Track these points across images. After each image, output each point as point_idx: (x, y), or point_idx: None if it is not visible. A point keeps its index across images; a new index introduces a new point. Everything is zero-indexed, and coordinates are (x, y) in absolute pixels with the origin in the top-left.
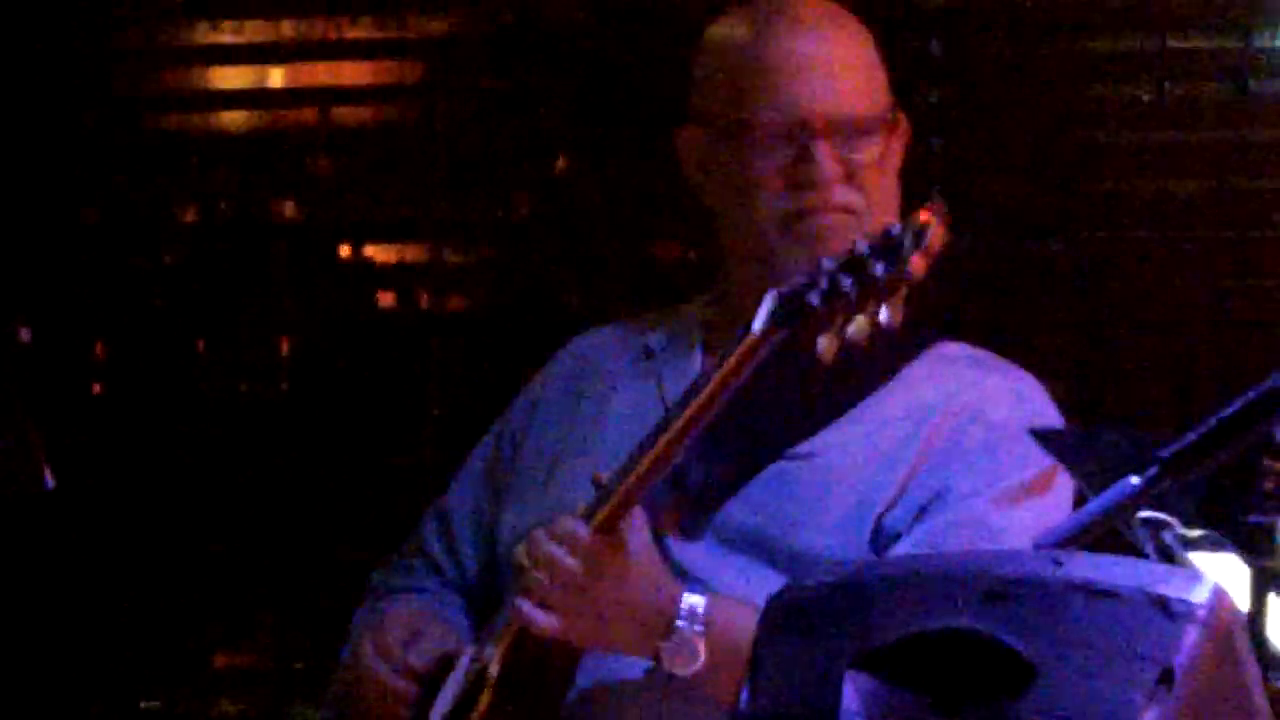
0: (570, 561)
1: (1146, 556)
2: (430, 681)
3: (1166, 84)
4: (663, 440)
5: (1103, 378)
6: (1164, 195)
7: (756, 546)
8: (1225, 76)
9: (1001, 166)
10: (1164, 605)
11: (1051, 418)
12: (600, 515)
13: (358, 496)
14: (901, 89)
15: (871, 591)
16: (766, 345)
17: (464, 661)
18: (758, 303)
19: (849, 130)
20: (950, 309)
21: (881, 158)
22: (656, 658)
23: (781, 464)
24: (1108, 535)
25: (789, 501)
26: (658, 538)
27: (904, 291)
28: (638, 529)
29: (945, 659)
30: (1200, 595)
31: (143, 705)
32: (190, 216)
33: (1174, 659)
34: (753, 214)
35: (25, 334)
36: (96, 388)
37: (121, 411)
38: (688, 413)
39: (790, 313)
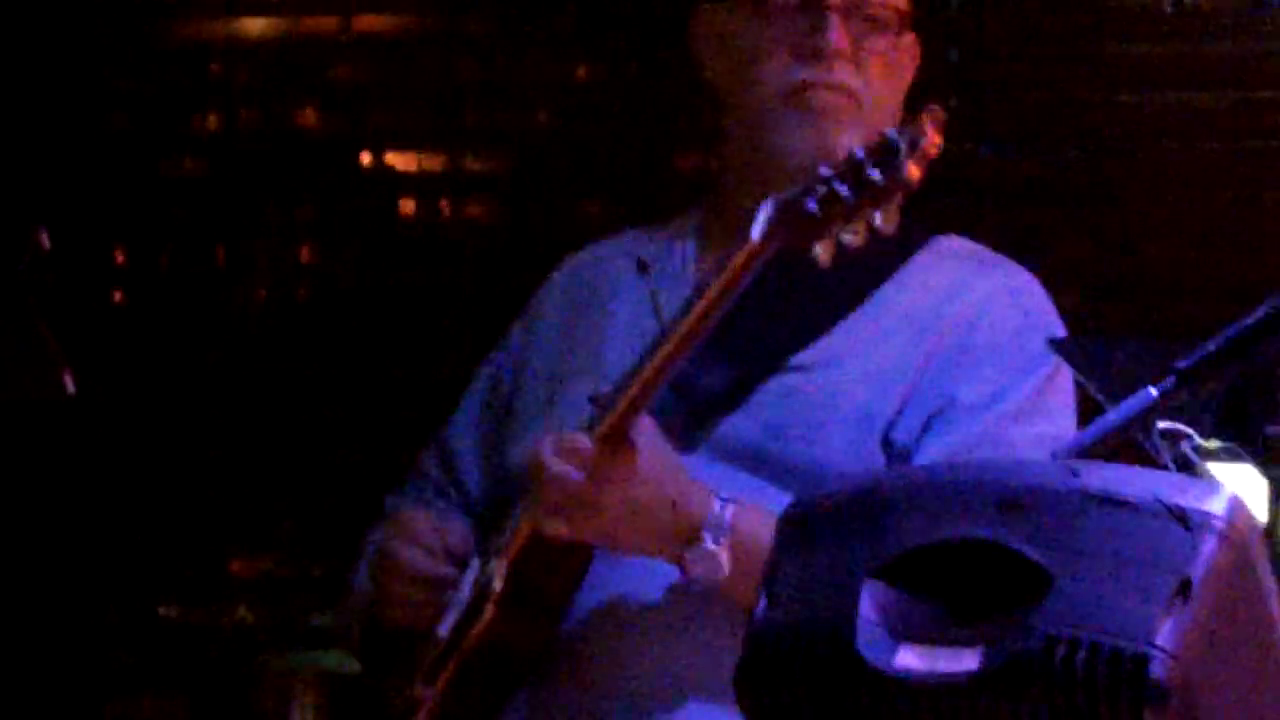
0: (574, 474)
1: (1164, 467)
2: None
3: None
4: (663, 351)
5: (1121, 289)
6: (1182, 106)
7: (757, 460)
8: None
9: (1018, 78)
10: (1181, 516)
11: (1050, 315)
12: (602, 426)
13: (376, 404)
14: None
15: (887, 501)
16: (764, 253)
17: (469, 574)
18: (754, 200)
19: (863, 14)
20: (969, 219)
21: (891, 55)
22: (681, 563)
23: (783, 376)
24: (1126, 446)
25: (790, 415)
26: None
27: (900, 196)
28: (649, 436)
29: (962, 568)
30: (1218, 506)
31: (160, 611)
32: (211, 123)
33: (1191, 569)
34: (756, 86)
35: (45, 240)
36: (117, 294)
37: (142, 318)
38: (688, 321)
39: (787, 220)
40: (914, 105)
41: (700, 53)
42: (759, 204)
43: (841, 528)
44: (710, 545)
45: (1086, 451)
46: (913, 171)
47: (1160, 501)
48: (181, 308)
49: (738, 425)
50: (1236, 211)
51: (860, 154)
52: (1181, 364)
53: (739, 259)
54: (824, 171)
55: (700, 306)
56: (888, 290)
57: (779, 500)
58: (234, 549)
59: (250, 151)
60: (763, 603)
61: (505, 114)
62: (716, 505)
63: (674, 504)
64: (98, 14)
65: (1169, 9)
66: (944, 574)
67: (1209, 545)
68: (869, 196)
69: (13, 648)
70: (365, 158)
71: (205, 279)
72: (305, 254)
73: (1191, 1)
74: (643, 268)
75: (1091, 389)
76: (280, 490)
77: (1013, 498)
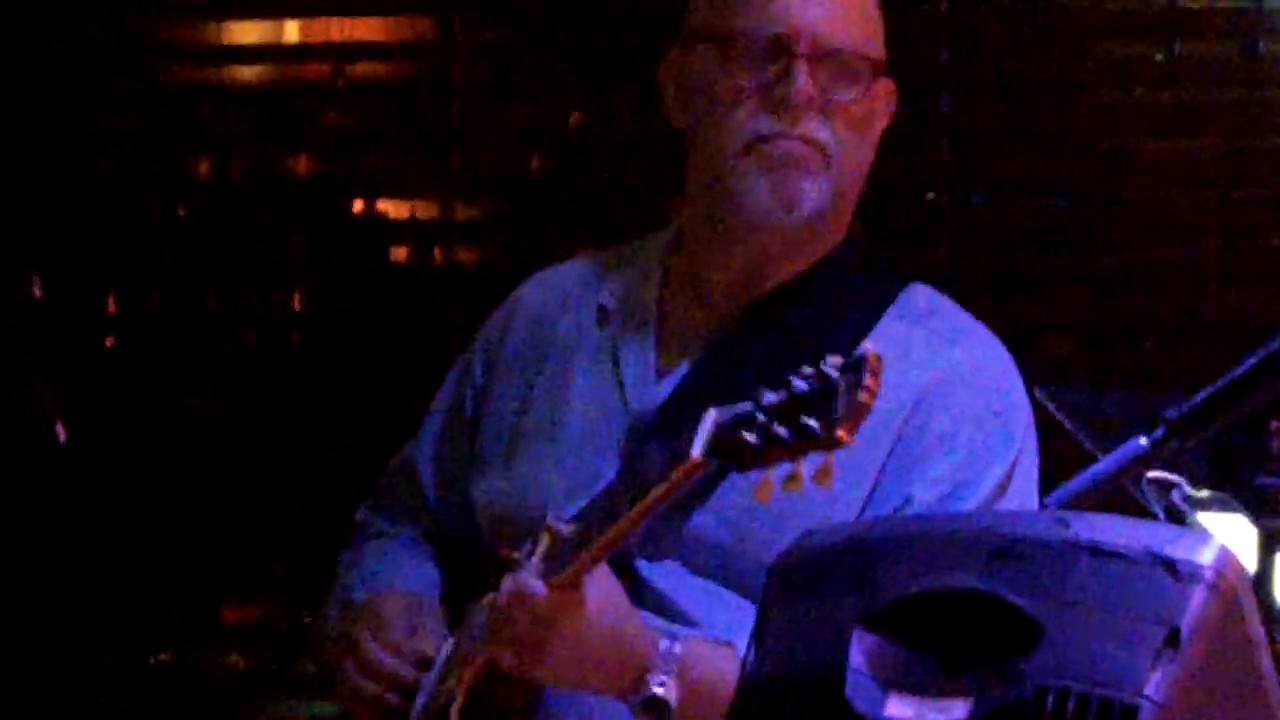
0: (525, 622)
1: (1154, 517)
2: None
3: (1177, 44)
4: (608, 535)
5: (1111, 337)
6: (1173, 155)
7: (724, 566)
8: (1235, 37)
9: (1010, 125)
10: (1170, 566)
11: (1012, 393)
12: (558, 579)
13: (368, 450)
14: (911, 48)
15: (877, 550)
16: (703, 469)
17: (432, 676)
18: (716, 258)
19: (833, 63)
20: (961, 266)
21: (861, 108)
22: (629, 704)
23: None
24: (1116, 495)
25: (759, 517)
26: (626, 560)
27: (832, 452)
28: (599, 584)
29: (951, 618)
30: (1207, 556)
31: (152, 658)
32: (204, 170)
33: (1180, 620)
34: (720, 132)
35: (37, 287)
36: (109, 341)
37: (134, 364)
38: (629, 517)
39: (727, 444)
40: (906, 152)
41: (667, 97)
42: (721, 261)
43: (831, 577)
44: (656, 689)
45: (1077, 501)
46: (844, 436)
47: (1150, 552)
48: (173, 353)
49: (703, 527)
50: (1228, 259)
51: (801, 388)
52: (1171, 413)
53: (678, 474)
54: (767, 398)
55: (643, 505)
56: None
57: (750, 615)
58: (225, 595)
59: (242, 197)
60: (752, 653)
61: (497, 160)
62: (664, 645)
63: (621, 649)
64: (90, 59)
65: (1160, 57)
66: (934, 623)
67: (1198, 596)
68: (804, 445)
69: (5, 693)
70: (357, 204)
71: (197, 324)
72: (297, 300)
73: (1182, 50)
74: (603, 316)
75: (1081, 438)
76: (272, 536)
77: (1003, 547)
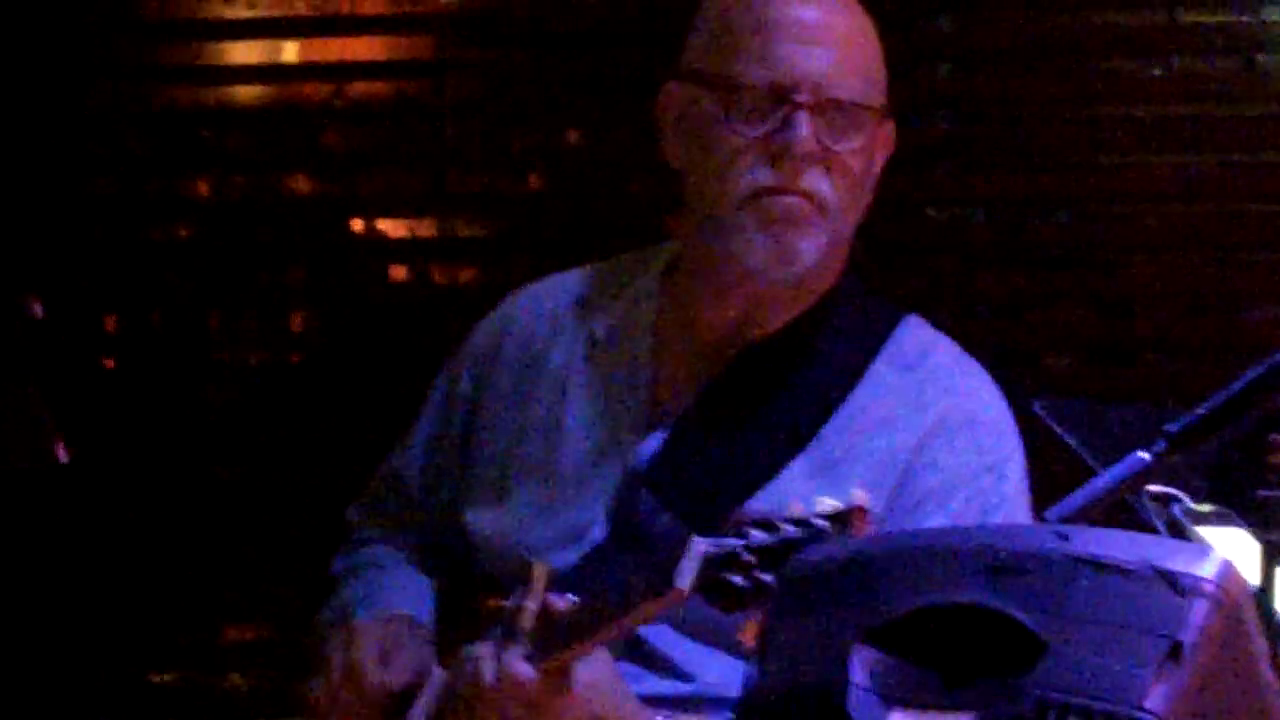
0: (512, 707)
1: (1156, 531)
2: (397, 702)
3: (1175, 59)
4: (598, 634)
5: (1111, 352)
6: (1172, 170)
7: (718, 633)
8: (1234, 52)
9: (1011, 142)
10: (1171, 580)
11: (1005, 436)
12: (549, 662)
13: (369, 470)
14: (910, 65)
15: (879, 566)
16: (683, 601)
17: (428, 694)
18: (710, 300)
19: (836, 113)
20: (963, 283)
21: (862, 159)
22: None
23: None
24: (1117, 509)
25: None
26: None
27: None
28: (591, 665)
29: (954, 633)
30: (1208, 570)
31: (153, 679)
32: (203, 190)
33: (1182, 633)
34: (719, 182)
35: (37, 308)
36: (109, 362)
37: (134, 385)
38: (617, 623)
39: (713, 581)
40: (907, 170)
41: (664, 131)
42: (715, 307)
43: (833, 592)
44: None
45: (1077, 515)
46: None
47: (1151, 565)
48: (173, 374)
49: (694, 601)
50: (1228, 274)
51: (792, 534)
52: (1172, 427)
53: (662, 602)
54: (755, 538)
55: (627, 619)
56: (838, 423)
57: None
58: (226, 616)
59: (241, 217)
60: (755, 669)
61: (496, 179)
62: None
63: None
64: (89, 80)
65: (1159, 73)
66: (936, 638)
67: (1200, 609)
68: None
69: (8, 714)
70: (357, 223)
71: (197, 345)
72: (297, 320)
73: (1181, 65)
74: (594, 349)
75: (1082, 452)
76: (273, 556)
77: (1004, 562)
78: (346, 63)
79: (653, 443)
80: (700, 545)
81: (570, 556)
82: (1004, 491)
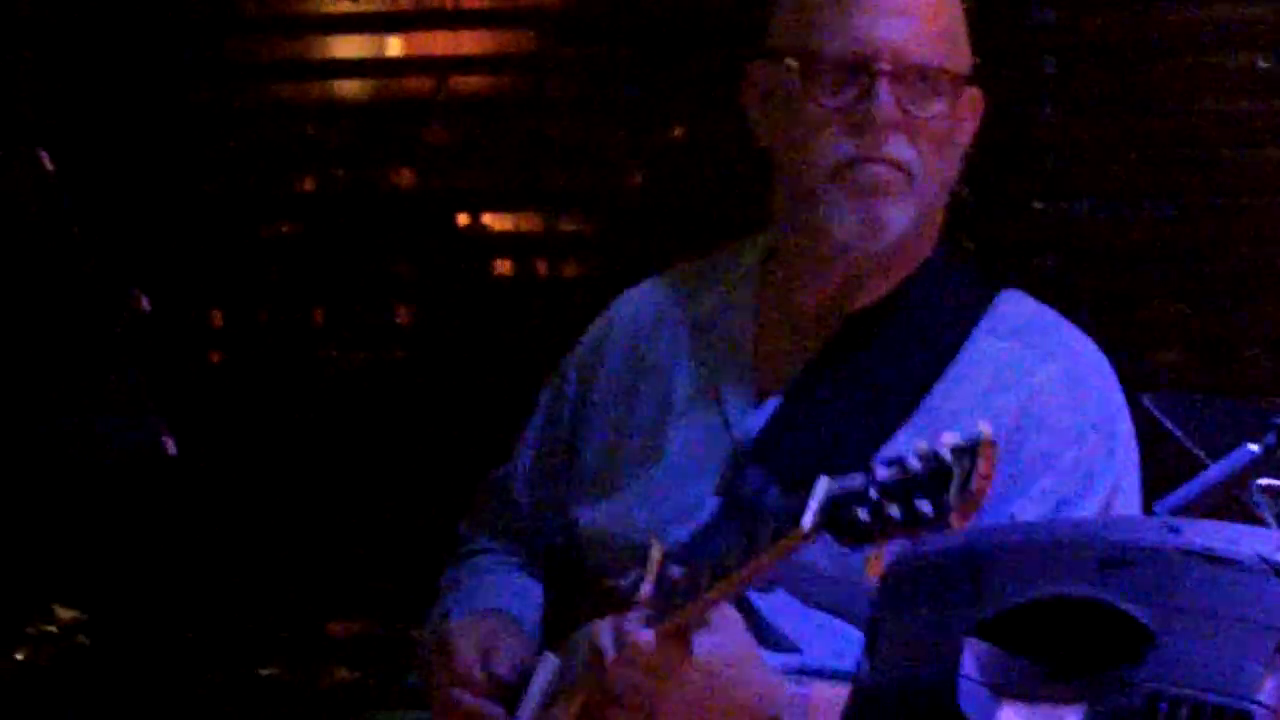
0: (636, 675)
1: (1265, 524)
2: (510, 693)
3: None
4: (719, 589)
5: (1217, 346)
6: (1276, 162)
7: (836, 597)
8: None
9: (1115, 135)
10: None
11: (1111, 400)
12: (666, 625)
13: (474, 465)
14: (1015, 59)
15: (988, 559)
16: (811, 540)
17: (541, 678)
18: (807, 280)
19: (916, 79)
20: (1066, 278)
21: (946, 122)
22: None
23: None
24: (1227, 502)
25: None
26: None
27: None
28: (716, 630)
29: (1063, 626)
30: None
31: (261, 672)
32: (308, 185)
33: None
34: (806, 155)
35: (145, 303)
36: (215, 356)
37: (240, 380)
38: (740, 576)
39: (837, 518)
40: (1011, 163)
41: (751, 110)
42: (812, 284)
43: (942, 586)
44: None
45: (1187, 508)
46: (957, 521)
47: (1262, 558)
48: (279, 369)
49: (813, 558)
50: None
51: (917, 469)
52: None
53: (787, 543)
54: (880, 474)
55: (750, 569)
56: (943, 389)
57: (858, 643)
58: (332, 610)
59: (346, 212)
60: (864, 663)
61: (599, 175)
62: (790, 690)
63: (740, 698)
64: (194, 77)
65: (1265, 65)
66: (1045, 631)
67: None
68: (915, 526)
69: (116, 710)
70: (461, 218)
71: (302, 340)
72: (402, 314)
73: None
74: (698, 336)
75: (1191, 446)
76: (378, 551)
77: (1114, 555)
78: (449, 57)
79: (759, 418)
80: (824, 484)
81: (682, 535)
82: (1113, 449)
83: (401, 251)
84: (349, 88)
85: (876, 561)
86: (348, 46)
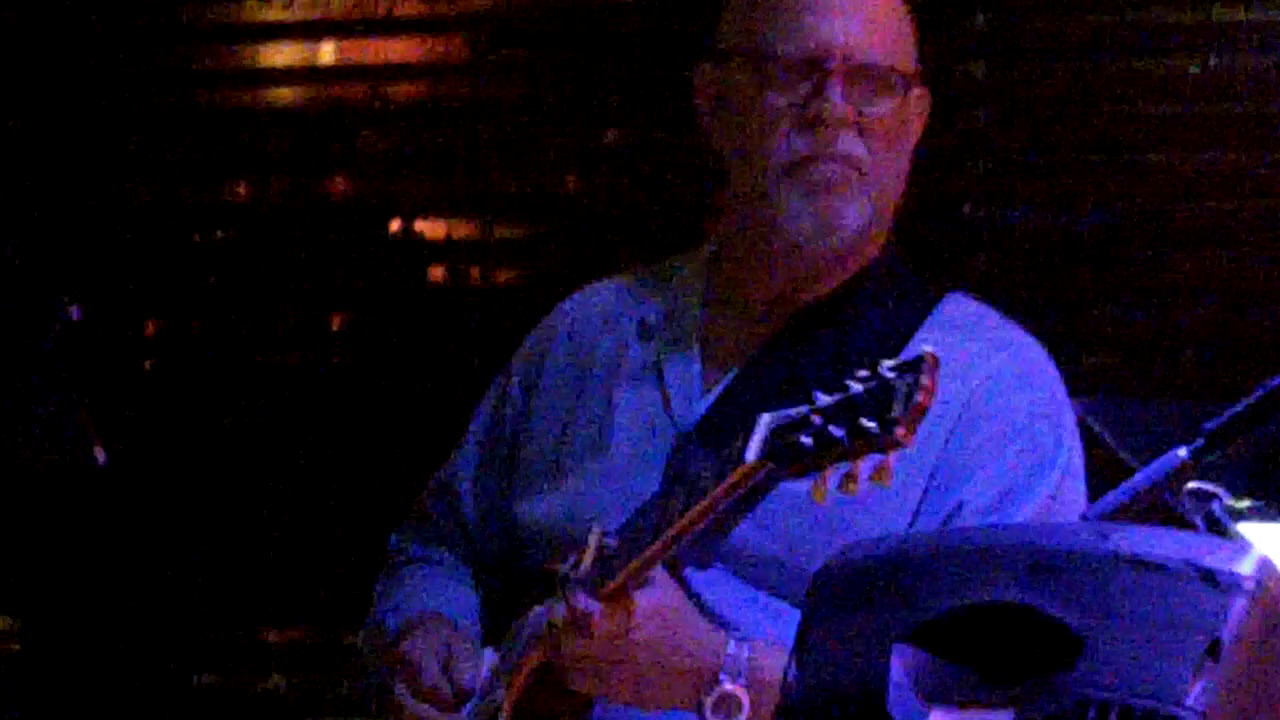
0: (583, 642)
1: (1194, 528)
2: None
3: (1212, 57)
4: (661, 541)
5: (1148, 350)
6: (1209, 168)
7: (778, 578)
8: (1270, 49)
9: (1047, 140)
10: (1210, 577)
11: (1058, 393)
12: (609, 586)
13: (408, 470)
14: (946, 63)
15: (918, 565)
16: (756, 474)
17: (484, 673)
18: (757, 276)
19: (866, 77)
20: (999, 282)
21: (896, 119)
22: (699, 711)
23: (799, 483)
24: (1155, 506)
25: (809, 528)
26: (673, 568)
27: (892, 454)
28: (656, 590)
29: (993, 632)
30: (1247, 566)
31: (195, 680)
32: (241, 193)
33: (1221, 630)
34: (758, 155)
35: (75, 312)
36: (148, 364)
37: (172, 388)
38: (684, 519)
39: (781, 449)
40: (943, 168)
41: (702, 114)
42: (762, 280)
43: (871, 591)
44: (728, 687)
45: (1116, 513)
46: (903, 436)
47: (1190, 563)
48: (212, 376)
49: (753, 538)
50: (1265, 271)
51: (858, 391)
52: (1210, 424)
53: (731, 478)
54: (821, 401)
55: (695, 513)
56: None
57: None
58: (266, 617)
59: (279, 220)
60: (794, 668)
61: (534, 180)
62: (733, 647)
63: (686, 654)
64: (128, 84)
65: (1195, 70)
66: (975, 637)
67: (1239, 606)
68: (861, 446)
69: (49, 717)
70: (395, 225)
71: (235, 348)
72: (336, 321)
73: (1218, 63)
74: (646, 332)
75: (1120, 450)
76: (312, 557)
77: (1043, 560)
78: (383, 64)
79: (704, 404)
80: (765, 418)
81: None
82: (1061, 438)
83: (336, 259)
84: (283, 95)
85: (821, 487)
86: (282, 54)
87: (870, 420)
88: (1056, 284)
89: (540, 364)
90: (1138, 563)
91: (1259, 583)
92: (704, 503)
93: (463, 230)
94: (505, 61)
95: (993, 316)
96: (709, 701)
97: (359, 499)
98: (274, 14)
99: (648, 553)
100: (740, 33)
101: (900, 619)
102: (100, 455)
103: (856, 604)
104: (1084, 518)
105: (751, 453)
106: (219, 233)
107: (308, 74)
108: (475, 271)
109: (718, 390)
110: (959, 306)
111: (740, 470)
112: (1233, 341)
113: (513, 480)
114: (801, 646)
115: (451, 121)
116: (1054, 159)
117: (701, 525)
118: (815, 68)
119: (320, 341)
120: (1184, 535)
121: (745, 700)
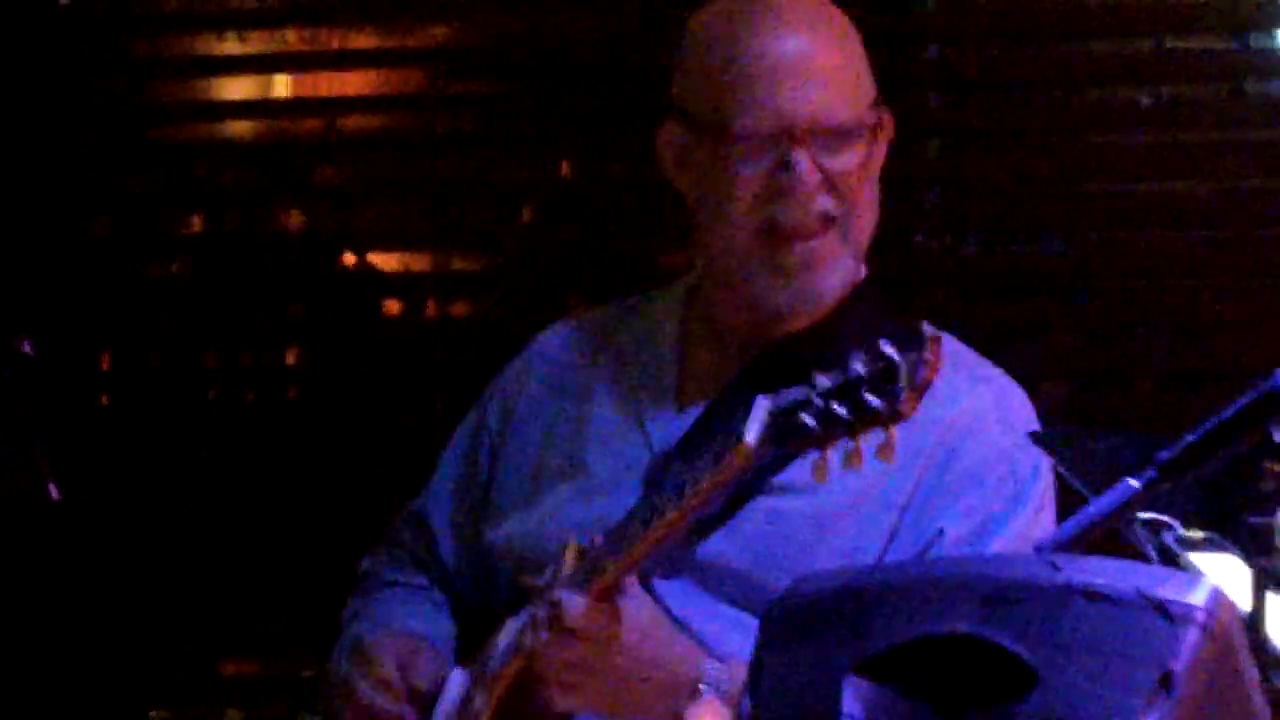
0: (570, 642)
1: (1147, 558)
2: (427, 706)
3: (1164, 86)
4: (652, 533)
5: (1102, 379)
6: (1163, 197)
7: (743, 590)
8: (1222, 78)
9: (1000, 169)
10: (1162, 608)
11: (1035, 427)
12: (595, 586)
13: (365, 504)
14: (900, 93)
15: (871, 597)
16: (757, 458)
17: (451, 692)
18: (734, 319)
19: (830, 137)
20: (954, 312)
21: (863, 164)
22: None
23: (768, 497)
24: (1108, 537)
25: (777, 544)
26: (642, 578)
27: (895, 429)
28: (639, 600)
29: (945, 664)
30: (1198, 597)
31: (151, 714)
32: (197, 226)
33: (1173, 662)
34: (727, 224)
35: (28, 347)
36: (103, 399)
37: (128, 422)
38: (678, 508)
39: (782, 429)
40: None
41: (667, 166)
42: (739, 318)
43: (824, 624)
44: (711, 698)
45: (1069, 544)
46: (909, 407)
47: (1142, 594)
48: (168, 411)
49: (724, 550)
50: (1220, 300)
51: (860, 371)
52: (1163, 455)
53: (730, 462)
54: (822, 382)
55: (691, 499)
56: None
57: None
58: (224, 651)
59: (235, 253)
60: (746, 702)
61: (489, 213)
62: (711, 665)
63: (666, 666)
64: (82, 117)
65: (1148, 100)
66: (928, 669)
67: (1191, 637)
68: (866, 422)
69: None
70: (350, 258)
71: (192, 381)
72: (292, 355)
73: (1170, 92)
74: (621, 360)
75: (1073, 481)
76: (269, 592)
77: (996, 592)
78: (338, 97)
79: (681, 426)
80: (763, 401)
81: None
82: (1038, 469)
83: (291, 292)
84: (238, 128)
85: (823, 465)
86: (236, 87)
87: (874, 398)
88: (1009, 314)
89: (517, 394)
90: (1090, 594)
91: (1211, 614)
92: (703, 486)
93: (418, 262)
94: (460, 94)
95: (972, 355)
96: (690, 712)
97: (314, 531)
98: (229, 47)
99: (642, 543)
100: (700, 100)
101: (852, 651)
102: (54, 491)
103: (810, 636)
104: (1038, 549)
105: (751, 434)
106: (174, 266)
107: (262, 107)
108: (431, 303)
109: (694, 412)
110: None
111: (740, 450)
112: (1185, 372)
113: (486, 508)
114: (756, 678)
115: (406, 154)
116: (1006, 190)
117: (696, 514)
118: (778, 140)
119: (276, 374)
120: (1136, 566)
121: (727, 714)
